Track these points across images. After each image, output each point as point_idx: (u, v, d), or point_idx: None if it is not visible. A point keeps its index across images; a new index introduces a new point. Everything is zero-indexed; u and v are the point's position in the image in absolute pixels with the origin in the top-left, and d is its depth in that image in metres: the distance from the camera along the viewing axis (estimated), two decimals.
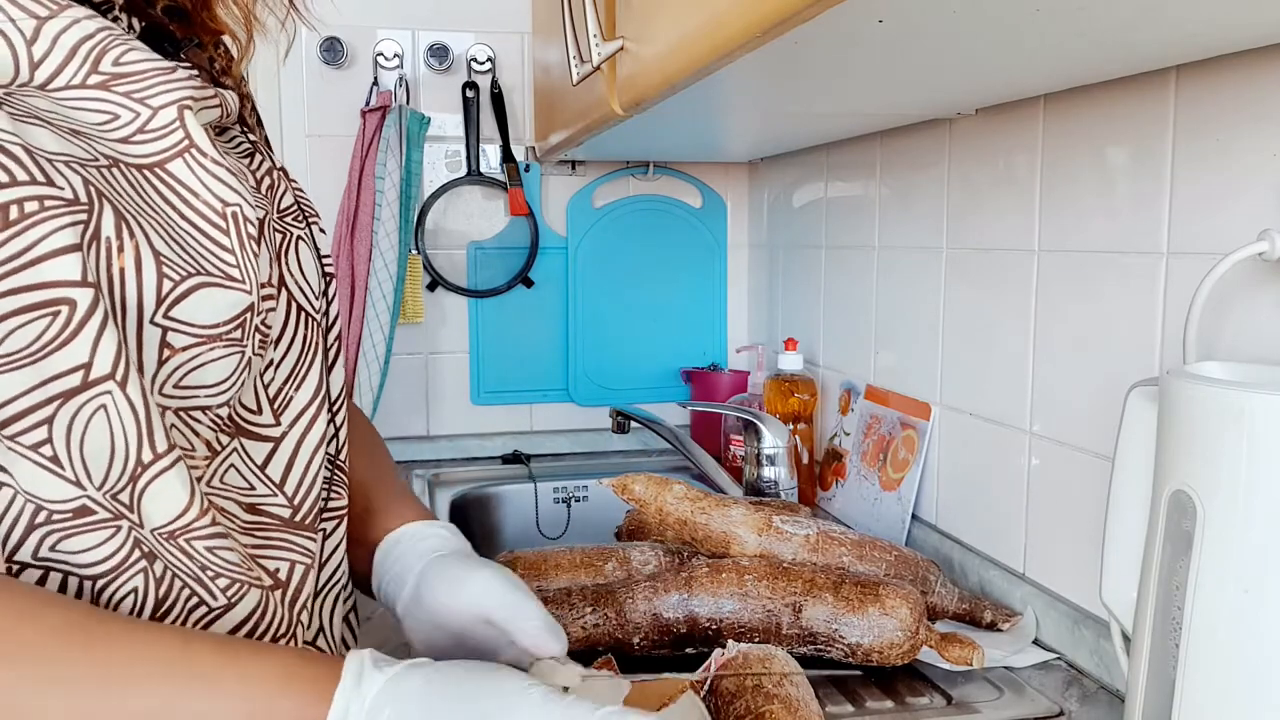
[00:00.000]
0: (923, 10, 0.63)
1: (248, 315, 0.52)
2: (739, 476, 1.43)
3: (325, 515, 0.64)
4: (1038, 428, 1.03)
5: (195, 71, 0.56)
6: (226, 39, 0.66)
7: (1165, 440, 0.66)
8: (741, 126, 1.37)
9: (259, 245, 0.54)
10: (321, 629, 0.64)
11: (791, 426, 1.45)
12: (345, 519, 0.67)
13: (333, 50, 1.68)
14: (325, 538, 0.64)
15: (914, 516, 1.25)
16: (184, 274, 0.50)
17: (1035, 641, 1.01)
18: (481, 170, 1.76)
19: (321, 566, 0.64)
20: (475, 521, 1.64)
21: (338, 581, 0.66)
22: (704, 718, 0.72)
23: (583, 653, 0.97)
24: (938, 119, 1.18)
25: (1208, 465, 0.62)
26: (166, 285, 0.49)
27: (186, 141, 0.51)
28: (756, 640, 0.93)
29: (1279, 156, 0.75)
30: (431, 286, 1.77)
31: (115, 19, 0.57)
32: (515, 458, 1.78)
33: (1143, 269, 0.88)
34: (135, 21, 0.58)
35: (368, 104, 1.67)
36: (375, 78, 1.69)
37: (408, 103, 1.70)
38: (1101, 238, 0.93)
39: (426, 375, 1.80)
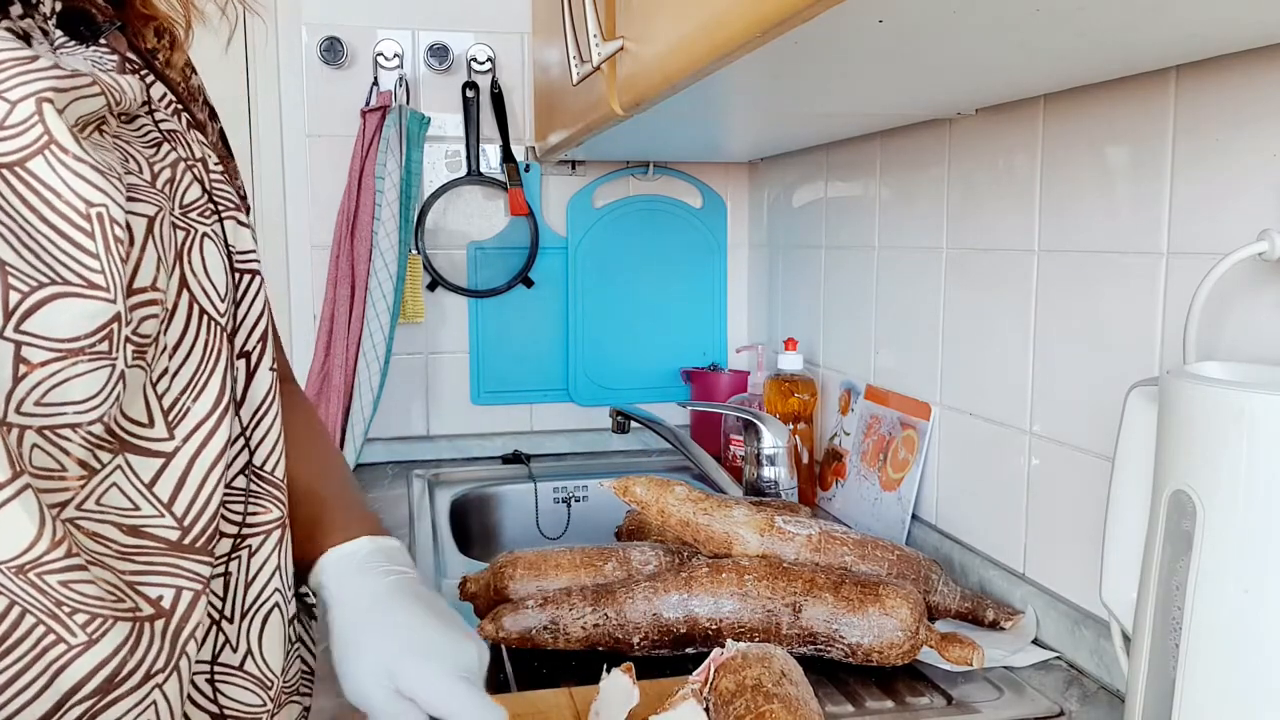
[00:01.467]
0: (923, 10, 0.63)
1: (115, 325, 0.48)
2: (739, 476, 1.43)
3: (249, 531, 0.60)
4: (1038, 428, 1.03)
5: (115, 59, 0.53)
6: (174, 23, 0.62)
7: (1165, 440, 0.66)
8: (741, 126, 1.37)
9: (132, 248, 0.50)
10: (250, 653, 0.60)
11: (791, 426, 1.45)
12: (277, 532, 0.61)
13: (333, 50, 1.68)
14: (251, 555, 0.60)
15: (914, 516, 1.25)
16: (35, 284, 0.46)
17: (1035, 641, 1.01)
18: (481, 170, 1.76)
19: (248, 585, 0.60)
20: (475, 521, 1.64)
21: (268, 600, 0.61)
22: None
23: (583, 653, 0.97)
24: (938, 119, 1.18)
25: (1208, 465, 0.62)
26: (14, 297, 0.45)
27: (46, 138, 0.47)
28: (757, 640, 0.93)
29: (1279, 156, 0.75)
30: (431, 286, 1.77)
31: (38, 3, 0.54)
32: (515, 458, 1.78)
33: (1143, 269, 0.88)
34: (55, 4, 0.54)
35: (368, 104, 1.67)
36: (375, 78, 1.69)
37: (408, 103, 1.69)
38: (1101, 238, 0.93)
39: (426, 375, 1.80)
